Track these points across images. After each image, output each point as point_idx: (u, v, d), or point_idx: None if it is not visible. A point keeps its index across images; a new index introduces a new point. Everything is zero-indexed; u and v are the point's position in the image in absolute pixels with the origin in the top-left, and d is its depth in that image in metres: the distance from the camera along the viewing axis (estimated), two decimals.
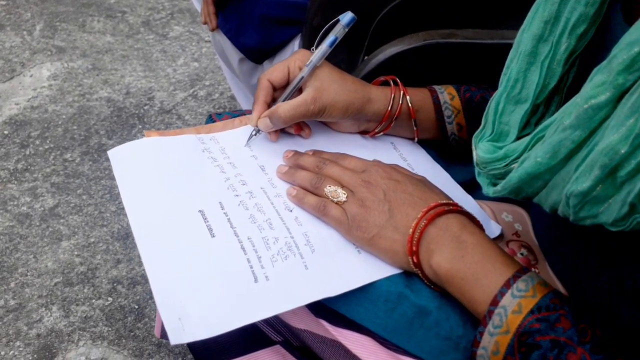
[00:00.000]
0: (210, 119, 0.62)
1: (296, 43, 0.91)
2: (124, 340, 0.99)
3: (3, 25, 1.76)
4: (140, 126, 1.43)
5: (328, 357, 0.50)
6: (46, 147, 1.36)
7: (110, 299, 1.05)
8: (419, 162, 0.59)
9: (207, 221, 0.49)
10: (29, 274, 1.09)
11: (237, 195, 0.52)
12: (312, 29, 0.82)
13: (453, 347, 0.45)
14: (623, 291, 0.41)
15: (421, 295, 0.46)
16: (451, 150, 0.61)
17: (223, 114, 0.63)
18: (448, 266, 0.44)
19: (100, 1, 1.89)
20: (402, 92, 0.58)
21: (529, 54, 0.45)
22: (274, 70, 0.58)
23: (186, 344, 0.42)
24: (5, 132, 1.40)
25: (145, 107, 1.49)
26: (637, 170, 0.33)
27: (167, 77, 1.59)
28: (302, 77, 0.56)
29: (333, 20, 0.57)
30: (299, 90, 0.57)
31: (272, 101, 0.58)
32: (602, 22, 0.43)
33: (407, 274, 0.48)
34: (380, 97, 0.58)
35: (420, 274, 0.47)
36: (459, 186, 0.58)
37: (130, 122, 1.44)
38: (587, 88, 0.36)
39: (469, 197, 0.57)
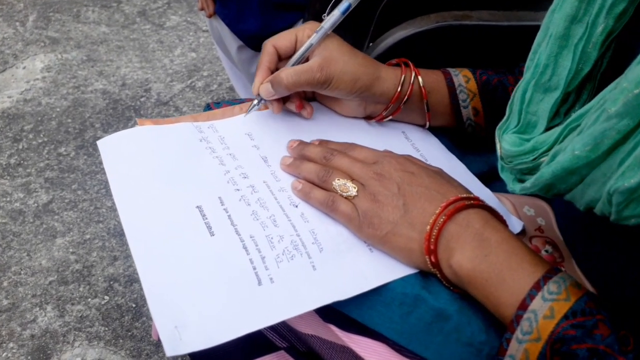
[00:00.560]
0: (208, 107, 0.58)
1: None
2: (121, 341, 0.96)
3: None
4: (136, 118, 1.39)
5: None
6: (40, 141, 1.33)
7: (106, 297, 1.02)
8: (433, 153, 0.56)
9: (206, 218, 0.46)
10: (22, 272, 1.06)
11: (238, 190, 0.49)
12: (315, 13, 0.78)
13: (475, 355, 0.41)
14: None
15: (440, 297, 0.43)
16: (466, 138, 0.58)
17: (221, 102, 0.58)
18: (470, 266, 0.41)
19: None
20: (413, 73, 0.54)
21: (560, 36, 0.41)
22: (281, 36, 0.54)
23: None
24: None
25: (142, 99, 1.45)
26: None
27: (164, 68, 1.55)
28: (312, 44, 0.52)
29: None
30: (306, 60, 0.53)
31: (276, 70, 0.55)
32: None
33: (423, 275, 0.44)
34: (390, 76, 0.54)
35: (438, 275, 0.43)
36: (476, 178, 0.54)
37: (126, 114, 1.40)
38: (637, 71, 0.32)
39: (487, 191, 0.53)
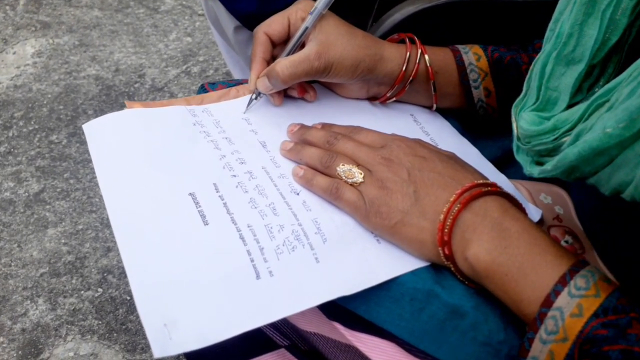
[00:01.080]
0: (203, 89, 0.55)
1: None
2: (115, 334, 0.94)
3: None
4: (125, 101, 1.35)
5: None
6: (30, 128, 1.29)
7: (100, 290, 0.99)
8: (444, 137, 0.52)
9: (199, 206, 0.42)
10: (12, 264, 1.03)
11: (234, 176, 0.45)
12: None
13: (493, 355, 0.38)
14: None
15: (454, 293, 0.39)
16: (478, 121, 0.54)
17: (217, 83, 0.55)
18: (488, 259, 0.37)
19: None
20: (419, 51, 0.51)
21: (585, 2, 0.37)
22: (272, 21, 0.51)
23: None
24: None
25: (136, 85, 1.41)
26: None
27: (159, 53, 1.51)
28: (307, 28, 0.49)
29: None
30: (302, 46, 0.50)
31: (272, 59, 0.51)
32: None
33: (436, 268, 0.41)
34: (394, 55, 0.50)
35: (452, 268, 0.40)
36: (490, 164, 0.51)
37: (119, 100, 1.37)
38: None
39: (503, 177, 0.50)
